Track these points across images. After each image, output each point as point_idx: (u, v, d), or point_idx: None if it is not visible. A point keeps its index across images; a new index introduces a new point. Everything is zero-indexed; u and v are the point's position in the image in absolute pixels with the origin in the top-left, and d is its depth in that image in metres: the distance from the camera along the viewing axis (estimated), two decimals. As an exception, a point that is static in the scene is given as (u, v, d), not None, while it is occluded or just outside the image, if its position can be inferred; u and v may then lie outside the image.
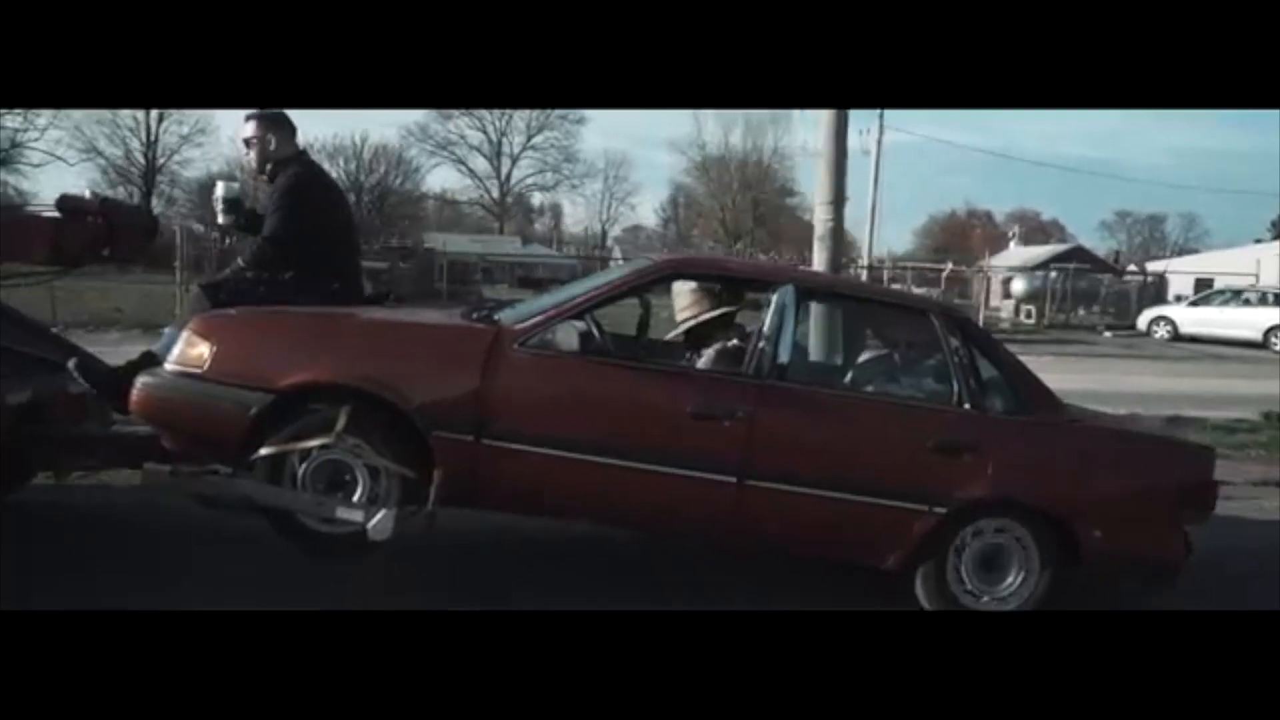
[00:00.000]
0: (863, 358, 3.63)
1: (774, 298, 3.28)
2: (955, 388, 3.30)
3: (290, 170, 3.54)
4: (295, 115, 3.63)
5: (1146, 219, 50.85)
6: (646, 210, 46.01)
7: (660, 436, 3.13)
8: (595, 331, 3.26)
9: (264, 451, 3.00)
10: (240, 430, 2.99)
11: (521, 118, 44.20)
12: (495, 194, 45.48)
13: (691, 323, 3.55)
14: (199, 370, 3.02)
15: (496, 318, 3.34)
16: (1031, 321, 20.36)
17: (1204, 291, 22.06)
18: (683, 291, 3.63)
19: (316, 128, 40.51)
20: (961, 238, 50.59)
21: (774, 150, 42.84)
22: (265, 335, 3.18)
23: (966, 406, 3.28)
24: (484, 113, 43.59)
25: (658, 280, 3.36)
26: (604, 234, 46.46)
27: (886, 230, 42.82)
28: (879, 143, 23.47)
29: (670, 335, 3.71)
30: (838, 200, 5.93)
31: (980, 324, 3.68)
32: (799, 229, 42.59)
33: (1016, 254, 37.95)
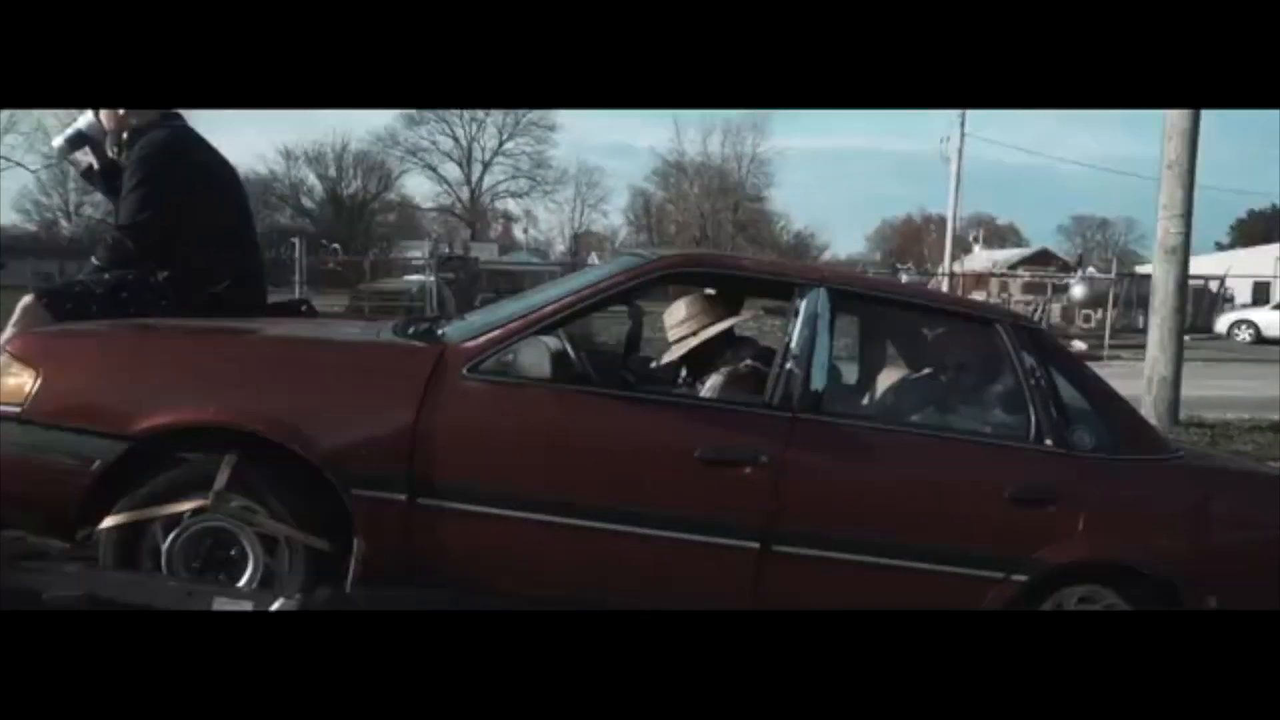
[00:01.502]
0: (907, 379, 2.87)
1: (802, 305, 2.50)
2: (1032, 419, 2.54)
3: (149, 136, 2.64)
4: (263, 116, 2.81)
5: (1099, 223, 51.43)
6: (618, 217, 44.99)
7: (659, 490, 2.33)
8: (571, 351, 2.46)
9: (112, 520, 2.14)
10: (78, 491, 2.13)
11: (494, 122, 42.89)
12: (466, 200, 44.01)
13: (694, 341, 2.75)
14: (17, 408, 2.15)
15: (441, 333, 2.52)
16: (1090, 327, 19.71)
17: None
18: (680, 301, 2.83)
19: (290, 136, 39.14)
20: (915, 242, 50.60)
21: (752, 156, 42.62)
22: (114, 359, 2.31)
23: (1048, 443, 2.52)
24: (454, 118, 42.23)
25: (652, 282, 2.55)
26: (575, 240, 45.48)
27: (836, 235, 42.82)
28: (960, 150, 23.47)
29: (666, 357, 2.91)
30: (1188, 213, 5.78)
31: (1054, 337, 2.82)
32: (775, 235, 42.45)
33: (982, 257, 37.80)
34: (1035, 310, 18.49)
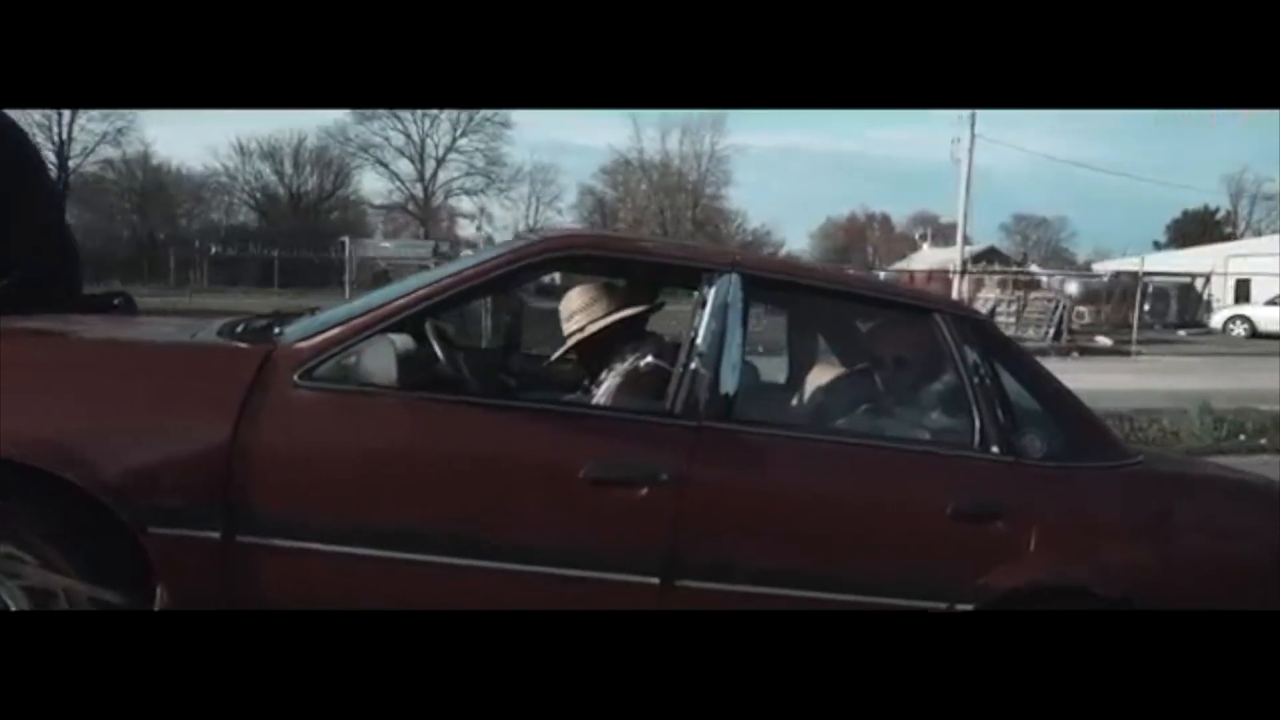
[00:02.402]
0: (834, 379, 2.50)
1: (710, 293, 2.12)
2: (976, 423, 2.20)
3: None
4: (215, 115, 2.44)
5: (1039, 221, 52.34)
6: (572, 215, 44.27)
7: (537, 517, 1.93)
8: (439, 351, 2.05)
9: None
10: None
11: (448, 118, 41.54)
12: (420, 197, 42.77)
13: (589, 329, 2.34)
14: None
15: (279, 332, 2.09)
16: (1087, 324, 20.04)
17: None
18: (574, 289, 2.42)
19: (233, 129, 37.80)
20: (860, 240, 50.88)
21: (710, 154, 42.18)
22: None
23: (994, 450, 2.18)
24: (407, 114, 40.69)
25: (532, 269, 2.14)
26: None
27: (785, 233, 42.97)
28: (970, 150, 23.10)
29: (556, 355, 2.50)
30: None
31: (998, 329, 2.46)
32: (732, 232, 42.15)
33: (931, 255, 37.90)
34: (1057, 308, 18.45)
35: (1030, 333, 17.68)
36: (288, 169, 40.24)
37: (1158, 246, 40.72)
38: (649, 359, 2.25)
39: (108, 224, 34.69)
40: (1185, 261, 26.94)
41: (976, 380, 2.22)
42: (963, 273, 22.12)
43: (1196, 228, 42.70)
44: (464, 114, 41.00)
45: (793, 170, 67.38)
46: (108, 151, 36.15)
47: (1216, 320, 21.99)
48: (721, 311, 2.11)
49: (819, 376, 2.53)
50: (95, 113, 33.86)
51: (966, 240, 47.44)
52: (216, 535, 1.80)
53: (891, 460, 2.15)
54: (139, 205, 36.57)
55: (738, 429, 2.06)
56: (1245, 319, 21.60)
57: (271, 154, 39.63)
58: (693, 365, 2.06)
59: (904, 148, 64.07)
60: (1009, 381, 2.29)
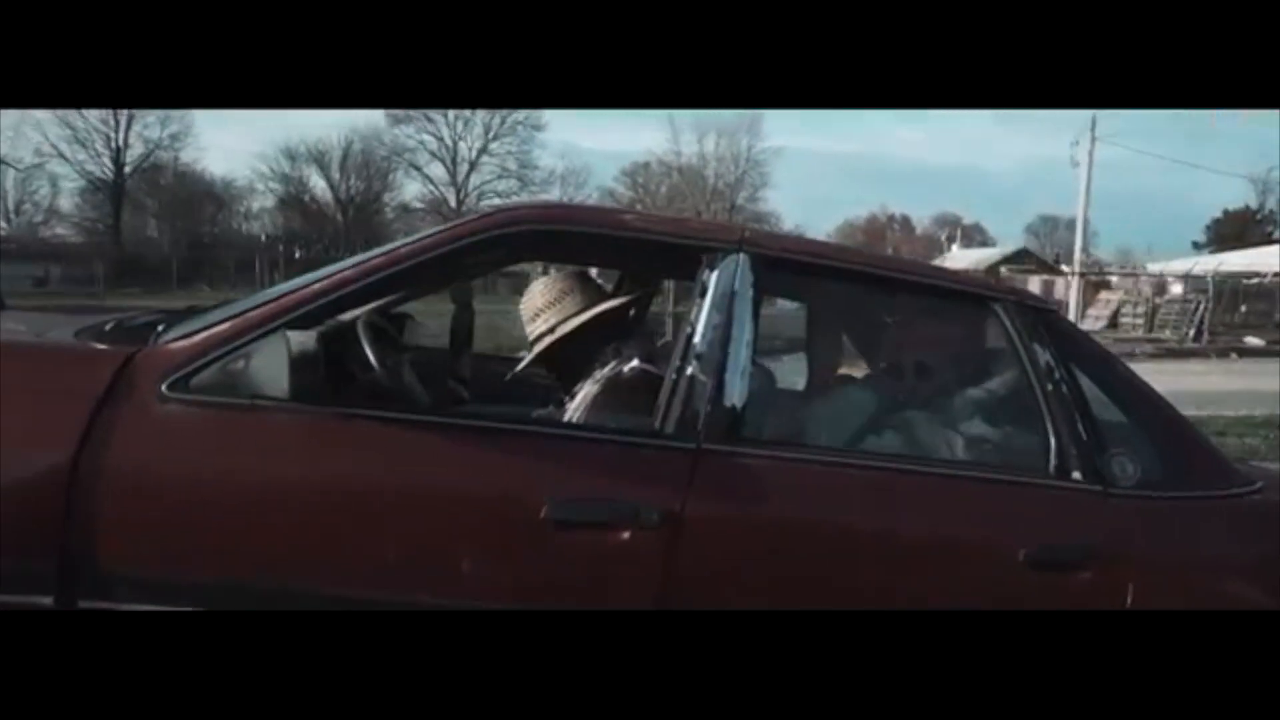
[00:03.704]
0: (868, 386, 2.01)
1: (712, 279, 1.65)
2: (1052, 442, 1.72)
3: None
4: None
5: (1068, 222, 51.68)
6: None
7: (489, 572, 1.47)
8: (369, 353, 1.59)
9: None
10: None
11: (481, 121, 41.36)
12: (453, 201, 42.42)
13: (560, 329, 1.87)
14: None
15: (161, 329, 1.63)
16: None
17: None
18: (539, 281, 1.93)
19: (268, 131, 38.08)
20: (879, 241, 50.32)
21: (746, 156, 41.77)
22: None
23: (1075, 477, 1.70)
24: (440, 117, 40.83)
25: (482, 247, 1.66)
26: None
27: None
28: (1090, 153, 22.79)
29: (522, 364, 2.02)
30: None
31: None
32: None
33: (963, 256, 37.19)
34: (1198, 308, 17.99)
35: (1168, 333, 17.29)
36: (334, 173, 40.50)
37: (1196, 247, 39.77)
38: (634, 364, 1.78)
39: (156, 228, 34.96)
40: (1241, 262, 26.21)
41: (1050, 387, 1.74)
42: (1081, 275, 21.63)
43: (1236, 228, 41.70)
44: (496, 117, 41.22)
45: (801, 173, 66.99)
46: (162, 156, 36.71)
47: None
48: (726, 302, 1.64)
49: (843, 383, 2.05)
50: (151, 118, 34.58)
51: (970, 243, 46.99)
52: (49, 600, 1.35)
53: (946, 492, 1.67)
54: (185, 210, 36.70)
55: (746, 453, 1.59)
56: None
57: (319, 158, 39.84)
58: (689, 371, 1.59)
59: (918, 149, 63.69)
60: (1088, 389, 1.81)
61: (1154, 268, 24.84)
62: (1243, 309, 19.18)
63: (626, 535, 1.48)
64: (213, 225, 38.16)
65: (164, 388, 1.42)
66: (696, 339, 1.61)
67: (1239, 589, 1.73)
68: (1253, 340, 17.15)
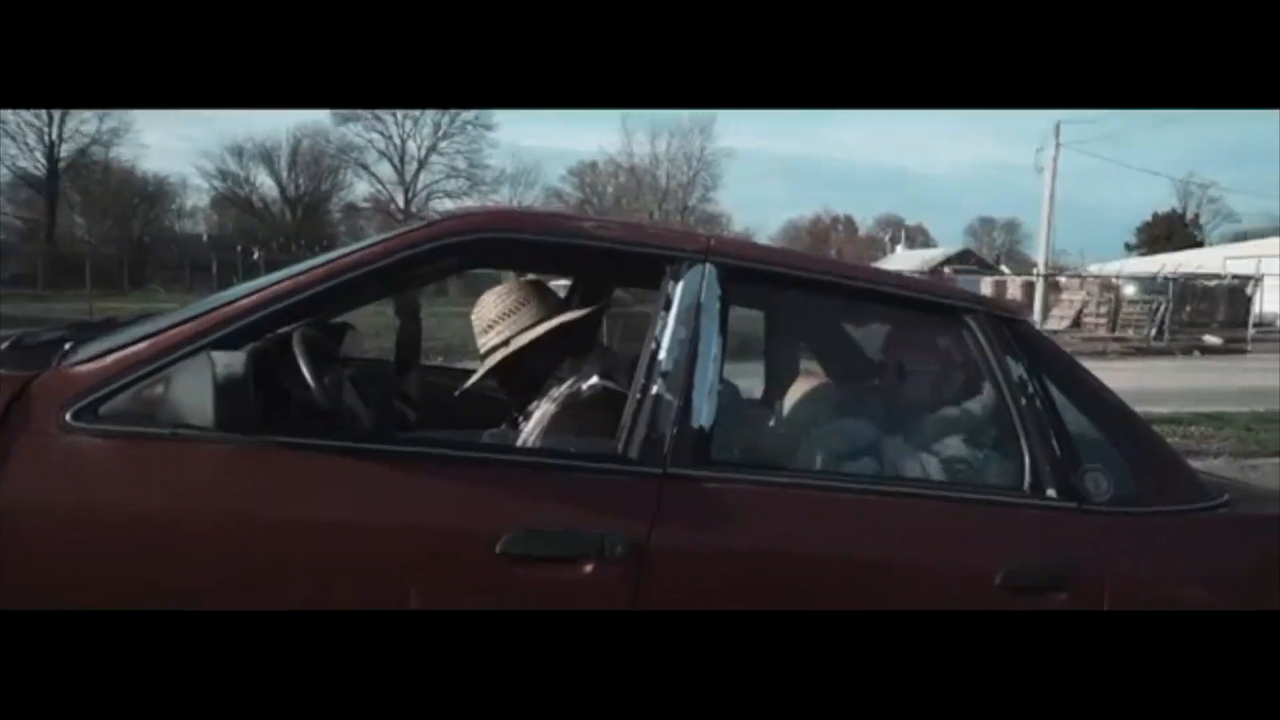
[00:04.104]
0: (836, 402, 1.94)
1: (677, 290, 1.56)
2: (1026, 458, 1.67)
3: None
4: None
5: (1005, 224, 53.26)
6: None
7: (437, 603, 1.35)
8: (305, 370, 1.46)
9: None
10: None
11: (431, 120, 40.60)
12: (401, 201, 41.49)
13: (515, 343, 1.76)
14: None
15: (67, 348, 1.46)
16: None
17: None
18: (491, 291, 1.82)
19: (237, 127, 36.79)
20: (823, 242, 51.02)
21: (699, 157, 41.99)
22: None
23: (1050, 494, 1.66)
24: (388, 116, 39.82)
25: (429, 257, 1.53)
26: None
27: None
28: (1055, 159, 23.22)
29: (472, 379, 1.87)
30: None
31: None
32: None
33: (907, 257, 37.84)
34: (1159, 309, 18.35)
35: (1131, 333, 17.78)
36: (283, 171, 39.43)
37: (1129, 249, 41.46)
38: (594, 381, 1.67)
39: (87, 228, 33.49)
40: (1176, 262, 27.19)
41: (1024, 401, 1.69)
42: (1046, 276, 22.03)
43: (1165, 230, 43.50)
44: (446, 116, 40.63)
45: (746, 174, 67.65)
46: (98, 152, 35.10)
47: None
48: (692, 315, 1.54)
49: (815, 400, 1.97)
50: (89, 113, 32.95)
51: (914, 243, 48.24)
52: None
53: (922, 514, 1.60)
54: (117, 207, 35.21)
55: (716, 477, 1.49)
56: None
57: (266, 156, 38.67)
58: (654, 389, 1.49)
59: (856, 151, 64.83)
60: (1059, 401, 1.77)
61: (1094, 269, 25.72)
62: (1188, 309, 20.04)
63: (590, 569, 1.37)
64: (145, 223, 36.77)
65: (68, 417, 1.27)
66: (661, 355, 1.51)
67: (1212, 605, 1.70)
68: (1210, 339, 17.99)
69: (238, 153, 38.22)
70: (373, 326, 2.21)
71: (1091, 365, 2.02)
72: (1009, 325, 1.77)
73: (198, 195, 39.22)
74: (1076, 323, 19.67)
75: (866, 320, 1.94)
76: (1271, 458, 6.71)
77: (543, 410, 1.65)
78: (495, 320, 1.74)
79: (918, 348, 1.87)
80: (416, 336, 1.92)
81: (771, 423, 2.02)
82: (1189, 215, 45.21)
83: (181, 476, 1.29)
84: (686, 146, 42.31)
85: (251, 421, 1.28)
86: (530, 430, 1.61)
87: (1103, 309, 19.55)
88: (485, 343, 1.75)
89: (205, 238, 29.89)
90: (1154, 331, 17.86)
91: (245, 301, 1.40)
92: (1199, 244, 40.19)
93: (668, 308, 1.55)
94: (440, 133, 41.58)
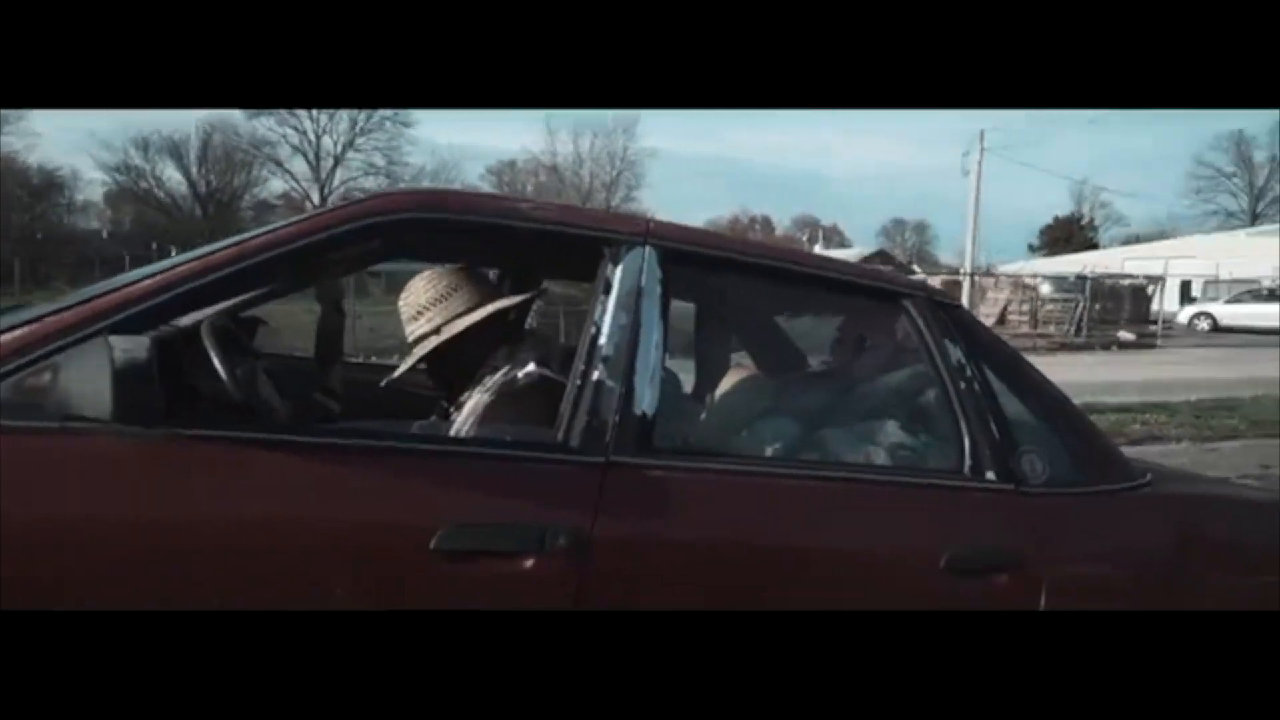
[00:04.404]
0: (775, 390, 1.91)
1: (616, 274, 1.50)
2: (966, 441, 1.67)
3: None
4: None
5: (915, 225, 55.25)
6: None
7: (368, 604, 1.26)
8: (216, 360, 1.34)
9: None
10: None
11: (348, 115, 39.38)
12: (316, 199, 39.86)
13: (446, 330, 1.66)
14: None
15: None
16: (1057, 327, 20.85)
17: (1240, 290, 24.65)
18: (420, 276, 1.73)
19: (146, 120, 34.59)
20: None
21: (622, 156, 42.53)
22: None
23: (989, 477, 1.66)
24: (301, 111, 38.51)
25: (355, 238, 1.43)
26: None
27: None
28: (980, 163, 24.11)
29: (401, 368, 1.77)
30: None
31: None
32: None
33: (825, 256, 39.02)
34: (1078, 307, 19.05)
35: (1052, 329, 18.55)
36: (193, 168, 37.52)
37: (1032, 250, 43.57)
38: (530, 368, 1.60)
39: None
40: (1069, 263, 28.56)
41: (963, 385, 1.69)
42: (972, 275, 22.60)
43: (1064, 233, 45.90)
44: (363, 112, 39.51)
45: (665, 174, 68.23)
46: None
47: (1184, 316, 23.64)
48: (632, 299, 1.49)
49: (755, 386, 1.94)
50: None
51: (829, 244, 49.62)
52: None
53: (869, 498, 1.58)
54: (20, 204, 32.90)
55: (660, 465, 1.44)
56: (1209, 315, 23.46)
57: (174, 150, 36.75)
58: (595, 376, 1.43)
59: (770, 154, 66.14)
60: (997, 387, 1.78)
61: (1004, 269, 26.90)
62: (1097, 307, 21.22)
63: (531, 563, 1.30)
64: (33, 218, 34.53)
65: None
66: (602, 340, 1.45)
67: (1142, 580, 1.73)
68: (1125, 335, 19.09)
69: (143, 145, 36.36)
70: (302, 326, 2.09)
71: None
72: (947, 310, 1.77)
73: (90, 189, 37.09)
74: (1001, 320, 20.51)
75: (810, 305, 1.92)
76: (1226, 440, 7.22)
77: (476, 400, 1.56)
78: (426, 306, 1.64)
79: (861, 332, 1.86)
80: (340, 328, 1.81)
81: (713, 413, 1.99)
82: (1085, 219, 47.79)
83: (72, 474, 1.17)
84: (610, 146, 42.66)
85: (155, 412, 1.17)
86: (464, 420, 1.52)
87: (1025, 307, 20.43)
88: (414, 330, 1.65)
89: (105, 234, 28.23)
90: (1073, 328, 18.74)
91: (148, 283, 1.28)
92: (1095, 246, 42.59)
93: (607, 291, 1.49)
94: (357, 129, 40.58)
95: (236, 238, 1.39)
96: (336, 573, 1.25)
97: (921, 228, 54.68)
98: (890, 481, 1.64)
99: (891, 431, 1.73)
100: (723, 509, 1.47)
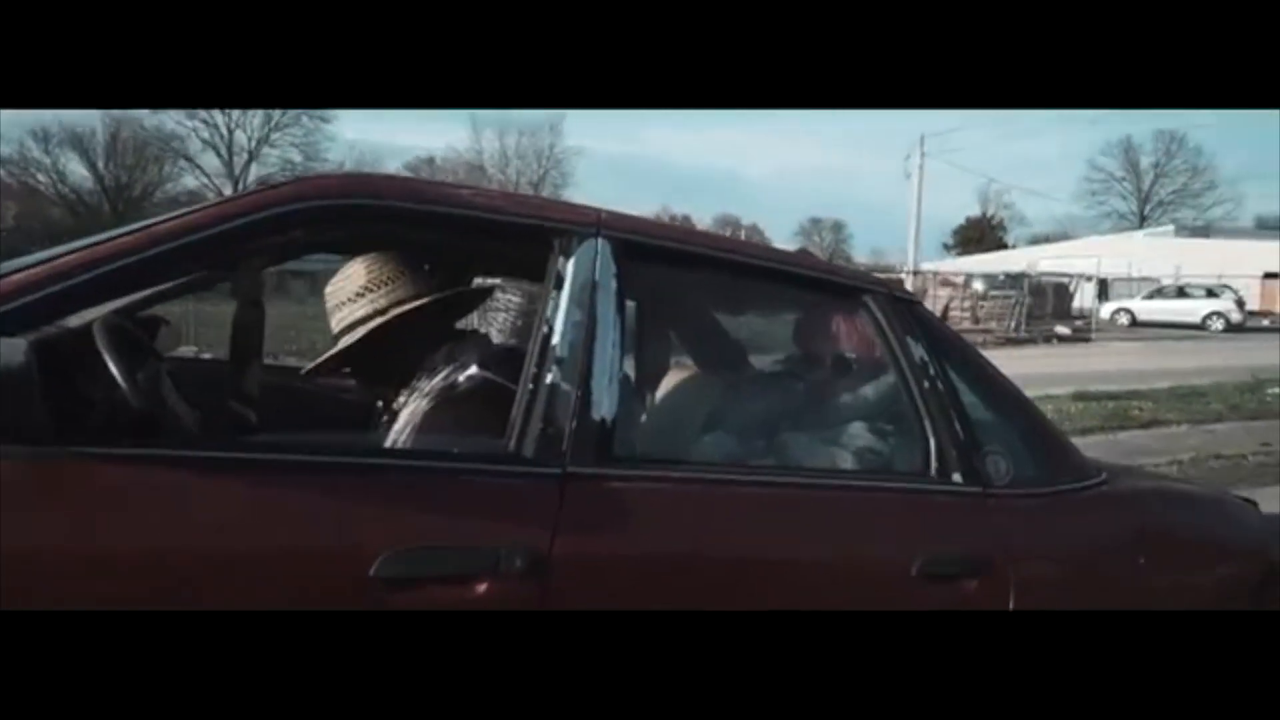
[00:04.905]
0: (731, 390, 1.81)
1: (568, 268, 1.37)
2: (931, 442, 1.61)
3: None
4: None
5: (833, 224, 56.46)
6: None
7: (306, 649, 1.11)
8: (112, 365, 1.16)
9: None
10: None
11: (262, 110, 37.23)
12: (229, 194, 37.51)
13: (374, 323, 1.49)
14: None
15: None
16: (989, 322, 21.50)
17: (1153, 287, 26.26)
18: (349, 265, 1.55)
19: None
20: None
21: (548, 155, 42.23)
22: None
23: (956, 479, 1.61)
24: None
25: (276, 227, 1.26)
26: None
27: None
28: (920, 166, 24.88)
29: (317, 361, 1.57)
30: None
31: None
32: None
33: None
34: (1017, 304, 19.64)
35: (994, 325, 19.17)
36: (100, 162, 35.02)
37: (946, 249, 45.17)
38: (473, 370, 1.46)
39: None
40: (988, 262, 29.62)
41: (926, 384, 1.63)
42: (915, 273, 23.17)
43: (976, 233, 47.75)
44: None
45: (587, 173, 68.16)
46: None
47: (1105, 312, 24.60)
48: (586, 295, 1.37)
49: (702, 388, 1.85)
50: None
51: (771, 243, 50.99)
52: None
53: (838, 505, 1.49)
54: None
55: (623, 474, 1.33)
56: (1128, 310, 24.80)
57: (78, 143, 34.10)
58: (549, 379, 1.30)
59: (691, 153, 66.78)
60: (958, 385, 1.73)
61: (926, 266, 27.80)
62: (1028, 302, 22.30)
63: (484, 588, 1.17)
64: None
65: None
66: (555, 340, 1.33)
67: (1107, 576, 1.71)
68: (1061, 329, 20.14)
69: (43, 137, 33.94)
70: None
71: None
72: (908, 306, 1.71)
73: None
74: (944, 316, 21.18)
75: (770, 300, 1.83)
76: (1216, 423, 7.52)
77: (414, 406, 1.42)
78: (370, 287, 1.47)
79: (822, 329, 1.78)
80: (258, 325, 1.62)
81: (650, 411, 1.89)
82: (996, 219, 49.88)
83: None
84: (536, 144, 42.37)
85: (38, 428, 0.99)
86: (401, 429, 1.38)
87: (966, 304, 21.16)
88: (349, 315, 1.48)
89: (2, 233, 26.38)
90: (1013, 324, 19.53)
91: (24, 275, 1.09)
92: (1005, 245, 44.43)
93: (559, 286, 1.36)
94: (272, 124, 38.89)
95: (142, 223, 1.22)
96: (263, 606, 1.09)
97: (838, 226, 55.92)
98: (861, 486, 1.57)
99: (857, 434, 1.66)
100: (689, 521, 1.36)
